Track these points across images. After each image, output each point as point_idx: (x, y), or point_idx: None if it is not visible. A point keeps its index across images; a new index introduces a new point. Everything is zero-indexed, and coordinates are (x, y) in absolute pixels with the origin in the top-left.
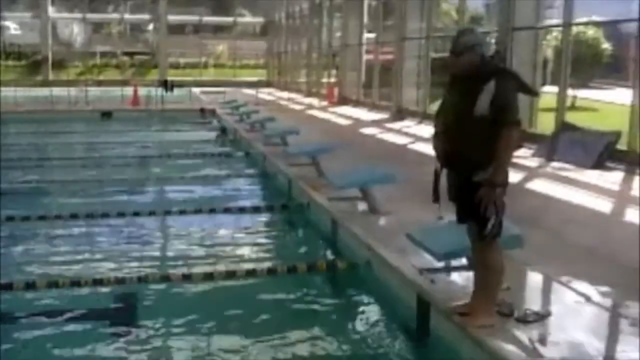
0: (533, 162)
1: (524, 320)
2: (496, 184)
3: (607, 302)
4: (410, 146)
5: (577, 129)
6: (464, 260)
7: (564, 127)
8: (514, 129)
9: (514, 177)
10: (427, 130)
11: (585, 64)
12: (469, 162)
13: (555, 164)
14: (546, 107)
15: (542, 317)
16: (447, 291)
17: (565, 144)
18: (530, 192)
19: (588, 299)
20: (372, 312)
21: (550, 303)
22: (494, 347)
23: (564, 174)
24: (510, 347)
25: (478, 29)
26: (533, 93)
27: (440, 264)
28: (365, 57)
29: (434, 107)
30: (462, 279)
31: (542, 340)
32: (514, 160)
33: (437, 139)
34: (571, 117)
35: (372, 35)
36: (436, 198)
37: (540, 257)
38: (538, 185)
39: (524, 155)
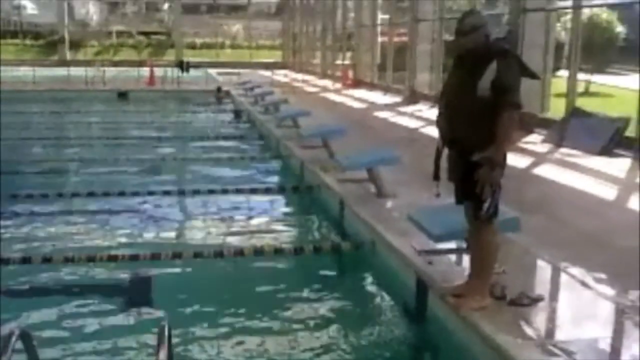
0: (542, 148)
1: (517, 303)
2: (495, 164)
3: (601, 287)
4: (422, 130)
5: (586, 115)
6: (463, 244)
7: (573, 112)
8: (514, 111)
9: (521, 162)
10: None
11: (600, 48)
12: (469, 142)
13: (563, 150)
14: (561, 92)
15: (534, 300)
16: (445, 273)
17: (574, 130)
18: (535, 178)
19: (583, 283)
20: (373, 291)
21: (544, 287)
22: (484, 328)
23: (570, 160)
24: (500, 329)
25: (486, 11)
26: (534, 76)
27: (440, 246)
28: (380, 39)
29: None
30: (461, 261)
31: (532, 323)
32: (523, 145)
33: (440, 119)
34: (585, 103)
35: (386, 17)
36: (436, 176)
37: (539, 241)
38: (544, 171)
39: (534, 141)
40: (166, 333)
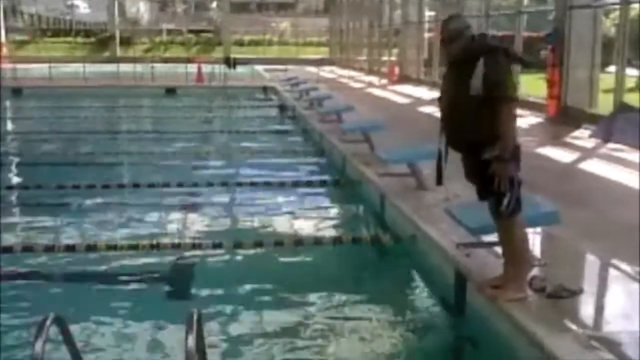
0: (589, 143)
1: (555, 296)
2: (505, 158)
3: None
4: None
5: (634, 110)
6: None
7: (621, 107)
8: (510, 103)
9: (567, 157)
10: None
11: None
12: (472, 142)
13: (610, 145)
14: (610, 88)
15: (573, 293)
16: (483, 265)
17: (621, 125)
18: (580, 172)
19: (624, 276)
20: (413, 283)
21: (585, 280)
22: (521, 320)
23: (617, 154)
24: (537, 321)
25: (533, 7)
26: (525, 63)
27: (478, 239)
28: (427, 35)
29: None
30: (499, 253)
31: (570, 316)
32: (570, 140)
33: (442, 122)
34: (636, 99)
35: (433, 13)
36: (439, 180)
37: (583, 235)
38: (589, 165)
39: (581, 136)
40: (195, 319)
